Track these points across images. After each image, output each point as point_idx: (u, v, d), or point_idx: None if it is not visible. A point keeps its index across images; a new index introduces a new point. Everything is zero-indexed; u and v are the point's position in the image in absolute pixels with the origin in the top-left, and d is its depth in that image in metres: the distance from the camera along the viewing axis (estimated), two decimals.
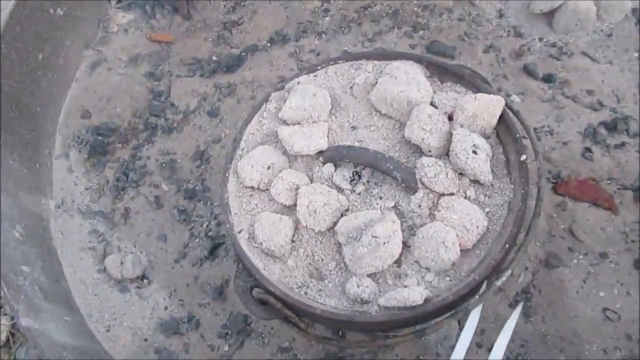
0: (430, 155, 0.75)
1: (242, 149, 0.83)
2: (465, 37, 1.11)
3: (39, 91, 1.09)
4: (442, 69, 0.83)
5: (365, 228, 0.70)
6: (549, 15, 1.09)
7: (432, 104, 0.79)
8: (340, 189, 0.77)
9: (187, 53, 1.22)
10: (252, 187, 0.79)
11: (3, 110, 0.97)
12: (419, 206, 0.73)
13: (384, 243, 0.68)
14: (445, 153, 0.75)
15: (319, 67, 0.87)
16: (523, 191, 0.71)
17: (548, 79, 1.03)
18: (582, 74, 1.03)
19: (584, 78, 1.02)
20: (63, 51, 1.18)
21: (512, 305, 0.83)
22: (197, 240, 0.97)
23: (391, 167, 0.73)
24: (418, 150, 0.77)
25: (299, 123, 0.81)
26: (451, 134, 0.74)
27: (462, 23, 1.13)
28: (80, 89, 1.20)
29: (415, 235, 0.71)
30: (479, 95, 0.74)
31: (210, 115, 1.11)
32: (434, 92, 0.80)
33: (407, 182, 0.72)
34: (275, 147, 0.82)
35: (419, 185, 0.73)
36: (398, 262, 0.71)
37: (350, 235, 0.71)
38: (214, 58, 1.20)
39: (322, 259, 0.74)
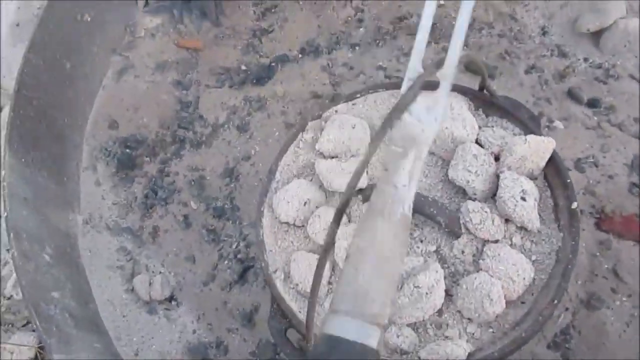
0: (475, 199, 0.72)
1: (278, 182, 0.80)
2: (506, 56, 1.06)
3: (66, 101, 1.08)
4: (488, 102, 0.79)
5: (407, 277, 0.68)
6: (596, 35, 1.04)
7: (477, 141, 0.75)
8: None
9: (216, 61, 1.19)
10: (287, 223, 0.77)
11: (32, 126, 0.95)
12: (462, 252, 0.70)
13: (427, 294, 0.66)
14: (490, 196, 0.72)
15: (358, 96, 0.83)
16: (573, 242, 0.67)
17: (593, 104, 0.98)
18: (630, 100, 0.98)
19: (632, 104, 0.98)
20: (90, 58, 1.16)
21: (551, 347, 0.81)
22: (225, 262, 0.96)
23: (434, 211, 0.70)
24: (461, 191, 0.74)
25: (336, 156, 0.78)
26: (498, 177, 0.71)
27: (503, 40, 1.09)
28: (107, 97, 1.18)
29: (458, 284, 0.68)
30: (530, 137, 0.71)
31: (240, 130, 1.09)
32: (480, 127, 0.77)
33: (451, 227, 0.70)
34: (312, 180, 0.79)
35: (463, 230, 0.70)
36: (439, 312, 0.69)
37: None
38: (243, 67, 1.17)
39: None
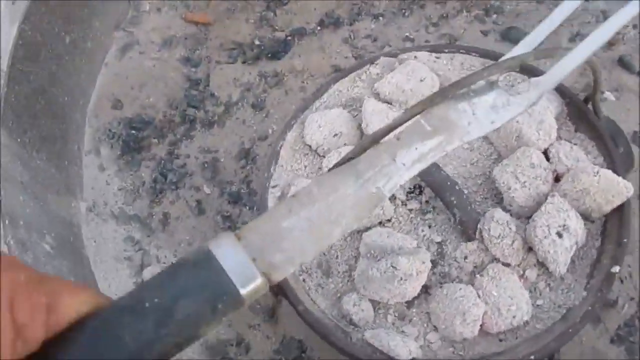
0: (509, 211, 0.63)
1: (322, 102, 0.75)
2: None
3: (66, 78, 0.99)
4: (584, 117, 0.68)
5: (390, 252, 0.60)
6: None
7: (545, 151, 0.65)
8: (392, 196, 0.66)
9: (227, 36, 1.10)
10: (310, 147, 0.71)
11: (28, 103, 0.86)
12: (465, 258, 0.62)
13: (401, 279, 0.58)
14: (527, 215, 0.62)
15: (447, 50, 0.75)
16: (590, 308, 0.58)
17: None
18: None
19: None
20: (92, 33, 1.07)
21: (615, 342, 0.72)
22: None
23: (455, 201, 0.61)
24: (499, 196, 0.65)
25: (390, 102, 0.70)
26: (546, 199, 0.61)
27: (542, 6, 1.00)
28: (110, 75, 1.09)
29: (441, 286, 0.60)
30: (603, 171, 0.60)
31: (255, 108, 1.00)
32: (559, 138, 0.66)
33: (464, 227, 0.62)
34: (355, 117, 0.73)
35: (477, 236, 0.61)
36: (409, 304, 0.62)
37: (373, 251, 0.62)
38: (257, 42, 1.08)
39: (337, 257, 0.67)
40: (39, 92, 0.90)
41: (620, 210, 0.61)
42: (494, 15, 1.00)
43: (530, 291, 0.60)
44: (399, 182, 0.36)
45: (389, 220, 0.67)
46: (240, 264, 0.27)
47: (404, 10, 1.05)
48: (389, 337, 0.59)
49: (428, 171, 0.62)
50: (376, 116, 0.69)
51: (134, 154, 0.98)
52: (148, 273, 0.86)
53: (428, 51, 0.75)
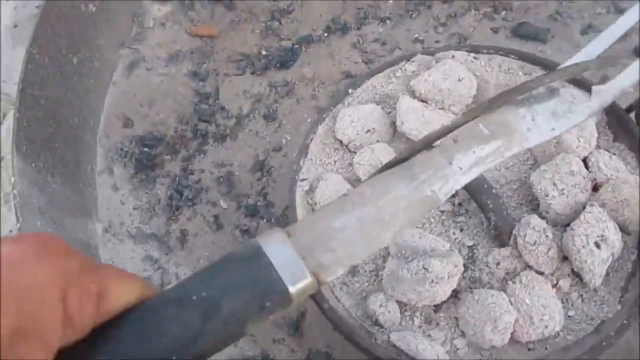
0: (545, 218, 0.61)
1: (356, 97, 0.73)
2: (558, 16, 0.96)
3: (75, 99, 0.98)
4: (625, 127, 0.65)
5: (422, 254, 0.58)
6: None
7: (584, 159, 0.63)
8: None
9: (233, 48, 1.10)
10: (340, 142, 0.71)
11: (40, 127, 0.86)
12: (497, 264, 0.60)
13: (432, 282, 0.57)
14: (564, 224, 0.61)
15: (485, 51, 0.73)
16: (625, 322, 0.56)
17: None
18: None
19: None
20: (98, 52, 1.06)
21: None
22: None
23: (490, 205, 0.60)
24: (535, 203, 0.63)
25: (425, 101, 0.69)
26: (584, 208, 0.59)
27: (551, 0, 0.98)
28: (118, 94, 1.08)
29: (472, 291, 0.59)
30: None
31: (267, 119, 0.99)
32: (597, 147, 0.64)
33: (499, 231, 0.60)
34: (389, 114, 0.71)
35: (510, 242, 0.60)
36: (437, 307, 0.60)
37: (404, 251, 0.60)
38: (264, 52, 1.07)
39: None
40: (50, 115, 0.90)
41: None
42: (503, 12, 0.99)
43: (562, 302, 0.58)
44: (456, 186, 0.35)
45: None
46: (290, 261, 0.27)
47: (410, 12, 1.04)
48: (416, 340, 0.57)
49: None
50: (411, 114, 0.67)
51: (148, 172, 0.97)
52: None
53: (466, 51, 0.73)
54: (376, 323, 0.60)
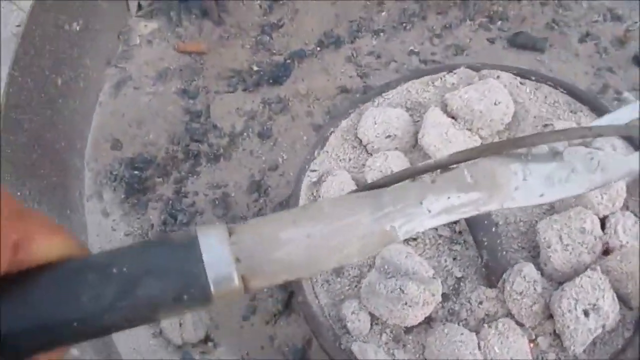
0: (540, 270, 0.58)
1: (387, 98, 0.71)
2: (555, 25, 0.95)
3: (61, 122, 0.94)
4: None
5: (404, 274, 0.57)
6: None
7: (604, 218, 0.59)
8: None
9: (223, 64, 1.07)
10: (360, 141, 0.69)
11: (25, 153, 0.82)
12: (479, 304, 0.58)
13: (405, 304, 0.55)
14: (560, 281, 0.57)
15: (534, 78, 0.70)
16: None
17: None
18: None
19: None
20: (83, 72, 1.02)
21: None
22: (265, 290, 0.82)
23: (486, 242, 0.58)
24: (536, 251, 0.60)
25: (455, 118, 0.66)
26: (586, 270, 0.56)
27: (547, 8, 0.97)
28: (106, 115, 1.04)
29: (444, 324, 0.57)
30: None
31: (262, 137, 0.96)
32: (625, 208, 0.60)
33: (489, 271, 0.58)
34: (415, 122, 0.69)
35: (499, 285, 0.58)
36: (407, 330, 0.59)
37: (387, 266, 0.59)
38: (255, 68, 1.05)
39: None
40: (34, 139, 0.86)
41: None
42: (499, 22, 0.97)
43: (537, 359, 0.56)
44: (418, 228, 0.31)
45: (414, 239, 0.64)
46: (221, 261, 0.25)
47: (404, 24, 1.02)
48: (376, 356, 0.57)
49: None
50: (435, 129, 0.65)
51: (139, 196, 0.93)
52: (166, 323, 0.81)
53: (514, 73, 0.70)
54: (345, 328, 0.60)
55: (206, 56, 1.09)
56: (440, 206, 0.31)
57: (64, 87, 0.96)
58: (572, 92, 0.68)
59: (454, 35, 0.98)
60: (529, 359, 0.55)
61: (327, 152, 0.70)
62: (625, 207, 0.60)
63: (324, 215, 0.29)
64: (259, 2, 1.13)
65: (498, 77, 0.69)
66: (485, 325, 0.57)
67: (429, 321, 0.59)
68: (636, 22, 0.93)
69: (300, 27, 1.08)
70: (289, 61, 1.03)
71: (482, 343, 0.55)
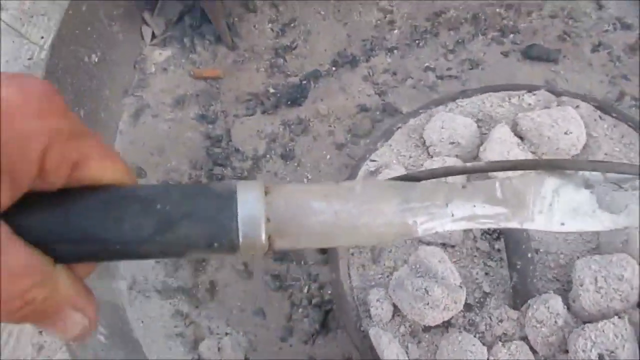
0: (568, 305, 0.58)
1: (459, 106, 0.72)
2: (567, 36, 0.97)
3: None
4: None
5: (432, 275, 0.59)
6: None
7: None
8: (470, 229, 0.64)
9: (240, 88, 1.08)
10: (423, 141, 0.70)
11: None
12: (500, 322, 0.59)
13: (427, 304, 0.57)
14: (585, 321, 0.57)
15: (615, 115, 0.69)
16: None
17: None
18: None
19: None
20: (103, 103, 1.04)
21: None
22: (300, 310, 0.83)
23: (518, 266, 0.59)
24: (569, 286, 0.60)
25: (522, 139, 0.67)
26: (613, 319, 0.55)
27: (557, 20, 1.00)
28: (126, 143, 1.05)
29: (461, 332, 0.59)
30: None
31: (285, 158, 0.97)
32: None
33: (515, 294, 0.60)
34: (482, 135, 0.70)
35: (522, 309, 0.59)
36: (427, 328, 0.62)
37: (419, 265, 0.60)
38: (272, 90, 1.06)
39: (391, 251, 0.66)
40: None
41: None
42: (511, 35, 1.00)
43: None
44: (438, 228, 0.33)
45: (452, 247, 0.65)
46: (254, 217, 0.27)
47: (417, 41, 1.04)
48: (389, 346, 0.59)
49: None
50: (499, 145, 0.65)
51: None
52: (204, 347, 0.82)
53: (595, 106, 0.69)
54: (368, 313, 0.63)
55: (222, 81, 1.10)
56: (463, 212, 0.33)
57: (85, 118, 0.97)
58: None
59: (468, 50, 1.00)
60: None
61: (390, 145, 0.71)
62: None
63: (354, 196, 0.31)
64: (270, 25, 1.15)
65: (577, 106, 0.68)
66: (500, 343, 0.58)
67: (447, 326, 0.61)
68: None
69: (314, 48, 1.10)
70: (305, 82, 1.05)
71: (491, 358, 0.57)
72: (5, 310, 0.22)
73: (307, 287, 0.85)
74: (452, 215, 0.32)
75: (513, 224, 0.33)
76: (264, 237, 0.27)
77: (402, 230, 0.31)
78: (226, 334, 0.83)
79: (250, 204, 0.27)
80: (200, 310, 0.86)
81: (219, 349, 0.81)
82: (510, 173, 0.62)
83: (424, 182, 0.33)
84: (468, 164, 0.36)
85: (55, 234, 0.24)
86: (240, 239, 0.26)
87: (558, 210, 0.34)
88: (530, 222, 0.34)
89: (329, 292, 0.84)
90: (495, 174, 0.61)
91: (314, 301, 0.84)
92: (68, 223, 0.24)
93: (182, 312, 0.86)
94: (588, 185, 0.35)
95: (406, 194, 0.32)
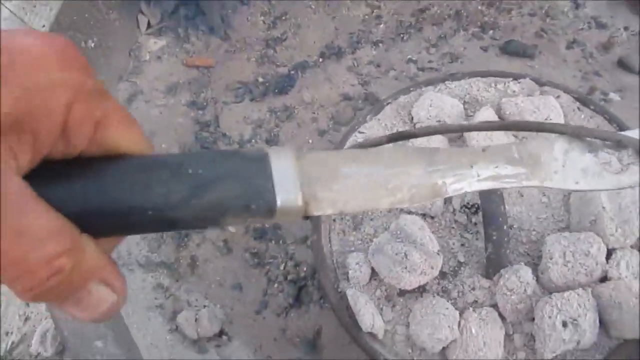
0: (537, 277, 0.61)
1: (448, 87, 0.74)
2: (543, 34, 1.01)
3: None
4: None
5: (411, 241, 0.61)
6: (632, 1, 0.99)
7: (611, 250, 0.61)
8: (449, 199, 0.67)
9: (231, 76, 1.12)
10: (411, 117, 0.72)
11: None
12: (472, 289, 0.62)
13: (405, 268, 0.60)
14: (551, 291, 0.60)
15: (592, 107, 0.72)
16: None
17: None
18: None
19: None
20: None
21: None
22: (276, 285, 0.87)
23: (494, 237, 0.60)
24: (539, 260, 0.63)
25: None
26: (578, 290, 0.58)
27: (535, 18, 1.03)
28: None
29: (434, 297, 0.62)
30: None
31: (270, 143, 1.01)
32: (638, 248, 0.61)
33: (488, 264, 0.61)
34: (467, 117, 0.72)
35: (494, 278, 0.61)
36: (402, 292, 0.64)
37: (400, 232, 0.63)
38: (261, 79, 1.10)
39: (372, 219, 0.68)
40: None
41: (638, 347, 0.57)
42: (491, 31, 1.03)
43: (507, 353, 0.60)
44: (466, 188, 0.34)
45: (432, 218, 0.68)
46: (288, 180, 0.26)
47: (402, 35, 1.08)
48: (365, 306, 0.61)
49: (490, 198, 0.62)
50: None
51: None
52: (182, 318, 0.85)
53: (575, 97, 0.72)
54: (346, 275, 0.65)
55: (213, 69, 1.14)
56: (488, 173, 0.34)
57: None
58: (621, 126, 0.70)
59: (449, 44, 1.04)
60: (501, 351, 0.58)
61: (379, 119, 0.74)
62: (638, 248, 0.61)
63: (383, 159, 0.32)
64: (262, 18, 1.19)
65: (558, 96, 0.71)
66: (471, 308, 0.61)
67: (422, 291, 0.63)
68: (619, 29, 0.99)
69: (303, 40, 1.14)
70: (293, 72, 1.09)
71: (462, 322, 0.59)
72: (31, 282, 0.19)
73: (284, 264, 0.89)
74: (478, 175, 0.34)
75: (534, 183, 0.35)
76: (300, 200, 0.26)
77: (432, 191, 0.33)
78: (204, 306, 0.87)
79: (283, 167, 0.26)
80: (181, 283, 0.90)
81: (196, 319, 0.84)
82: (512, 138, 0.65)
83: (446, 147, 0.36)
84: (464, 123, 0.38)
85: (79, 203, 0.22)
86: (278, 202, 0.25)
87: (571, 170, 0.37)
88: (550, 181, 0.36)
89: (305, 269, 0.87)
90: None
91: (289, 277, 0.87)
92: (92, 191, 0.23)
93: (163, 285, 0.90)
94: (593, 149, 0.38)
95: (432, 157, 0.34)
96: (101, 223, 0.23)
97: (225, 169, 0.25)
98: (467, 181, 0.35)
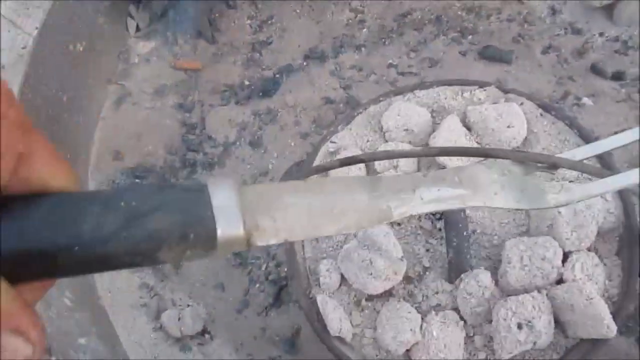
0: (496, 281, 0.64)
1: (416, 96, 0.76)
2: (520, 39, 1.03)
3: (66, 136, 1.01)
4: (634, 246, 0.64)
5: (377, 249, 0.64)
6: (608, 8, 1.02)
7: (567, 253, 0.63)
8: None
9: (217, 79, 1.15)
10: (382, 127, 0.74)
11: None
12: (435, 293, 0.66)
13: (371, 274, 0.63)
14: (509, 294, 0.62)
15: (554, 113, 0.74)
16: None
17: (618, 76, 0.95)
18: None
19: None
20: (86, 89, 1.10)
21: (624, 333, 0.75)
22: (257, 285, 0.89)
23: (455, 242, 0.65)
24: (499, 264, 0.65)
25: (470, 130, 0.73)
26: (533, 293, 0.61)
27: (513, 24, 1.06)
28: (107, 128, 1.12)
29: (399, 301, 0.65)
30: (596, 302, 0.58)
31: (253, 145, 1.03)
32: (594, 249, 0.64)
33: (450, 269, 0.65)
34: (434, 124, 0.74)
35: (455, 282, 0.65)
36: (370, 297, 0.66)
37: (366, 239, 0.65)
38: (247, 82, 1.13)
39: None
40: None
41: (595, 346, 0.60)
42: (470, 37, 1.06)
43: (468, 354, 0.63)
44: (411, 211, 0.36)
45: (399, 224, 0.70)
46: (229, 209, 0.24)
47: (384, 40, 1.10)
48: (334, 310, 0.64)
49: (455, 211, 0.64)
50: (448, 134, 0.70)
51: None
52: (166, 317, 0.88)
53: (538, 104, 0.74)
54: (317, 282, 0.68)
55: (201, 72, 1.17)
56: (431, 196, 0.36)
57: (69, 104, 1.04)
58: (585, 137, 0.72)
59: (429, 49, 1.06)
60: (461, 351, 0.62)
61: (351, 129, 0.77)
62: (595, 249, 0.64)
63: (324, 189, 0.32)
64: (249, 21, 1.21)
65: (522, 103, 0.74)
66: (433, 312, 0.64)
67: (389, 295, 0.66)
68: (594, 35, 1.01)
69: (288, 44, 1.16)
70: (277, 75, 1.11)
71: (424, 325, 0.62)
72: None
73: (265, 264, 0.91)
74: (422, 198, 0.35)
75: (477, 202, 0.37)
76: (242, 228, 0.25)
77: (378, 215, 0.33)
78: (188, 305, 0.90)
79: (223, 196, 0.25)
80: (165, 283, 0.92)
81: (179, 318, 0.87)
82: (457, 162, 0.68)
83: (386, 175, 0.38)
84: (416, 148, 0.41)
85: (4, 246, 0.21)
86: (219, 230, 0.24)
87: (510, 191, 0.39)
88: (492, 201, 0.38)
89: (285, 269, 0.90)
90: (446, 164, 0.68)
91: (270, 277, 0.90)
92: (11, 231, 0.21)
93: (148, 285, 0.92)
94: (528, 172, 0.40)
95: (374, 184, 0.35)
96: (23, 266, 0.21)
97: (161, 200, 0.24)
98: (412, 204, 0.36)
